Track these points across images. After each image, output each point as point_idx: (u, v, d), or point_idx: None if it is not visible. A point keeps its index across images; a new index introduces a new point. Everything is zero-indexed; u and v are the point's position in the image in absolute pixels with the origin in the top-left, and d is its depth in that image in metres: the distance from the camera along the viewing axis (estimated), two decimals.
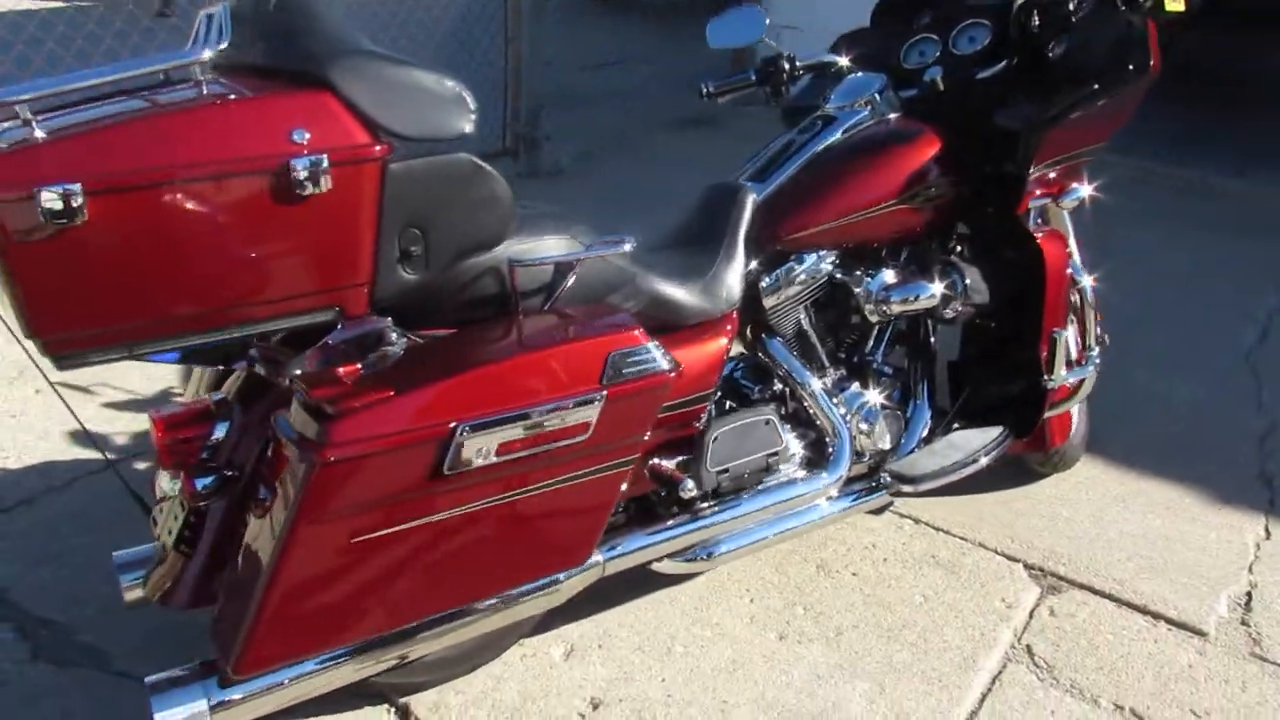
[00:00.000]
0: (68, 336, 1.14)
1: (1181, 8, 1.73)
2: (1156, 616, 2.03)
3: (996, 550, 2.19)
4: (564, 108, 4.96)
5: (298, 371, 1.31)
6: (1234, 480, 2.50)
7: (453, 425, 1.27)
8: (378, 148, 1.23)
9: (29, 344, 1.16)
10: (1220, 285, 3.67)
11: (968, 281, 1.90)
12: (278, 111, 1.19)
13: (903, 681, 1.82)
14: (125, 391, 2.63)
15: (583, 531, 1.49)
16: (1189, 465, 2.54)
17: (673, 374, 1.45)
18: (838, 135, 1.91)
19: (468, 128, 1.31)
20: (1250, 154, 5.21)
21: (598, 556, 1.61)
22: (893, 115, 1.97)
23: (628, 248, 1.54)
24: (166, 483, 1.46)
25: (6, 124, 1.19)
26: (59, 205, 1.07)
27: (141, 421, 2.50)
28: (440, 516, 1.33)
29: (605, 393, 1.38)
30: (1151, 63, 1.76)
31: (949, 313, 1.93)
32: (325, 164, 1.18)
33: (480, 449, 1.30)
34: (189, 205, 1.14)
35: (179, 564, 1.45)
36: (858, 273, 1.91)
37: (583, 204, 4.12)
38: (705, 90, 2.11)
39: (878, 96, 1.95)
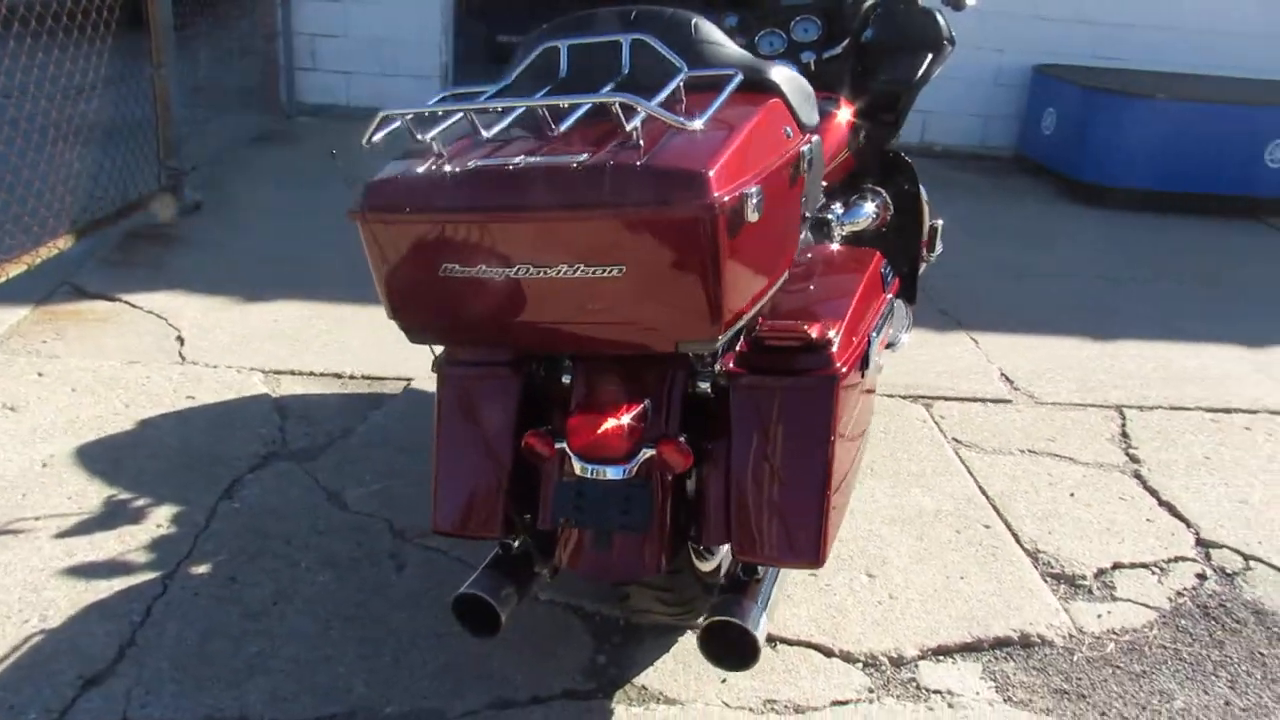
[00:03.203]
0: (722, 324, 1.34)
1: (975, 2, 2.68)
2: (984, 400, 3.09)
3: (886, 394, 3.07)
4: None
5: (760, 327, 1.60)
6: (943, 318, 3.70)
7: (871, 335, 1.70)
8: (805, 135, 1.59)
9: None
10: None
11: (888, 199, 2.68)
12: (780, 114, 1.49)
13: (932, 482, 2.59)
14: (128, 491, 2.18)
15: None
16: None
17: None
18: None
19: (819, 118, 1.72)
20: None
21: None
22: None
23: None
24: (582, 468, 1.56)
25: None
26: (755, 203, 1.29)
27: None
28: (858, 406, 1.73)
29: (891, 294, 1.89)
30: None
31: (874, 224, 2.69)
32: (811, 151, 1.53)
33: (877, 350, 1.74)
34: (774, 198, 1.41)
35: (635, 540, 1.60)
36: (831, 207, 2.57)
37: (257, 232, 4.00)
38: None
39: None
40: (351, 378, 2.95)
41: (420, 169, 1.38)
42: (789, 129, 1.51)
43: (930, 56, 2.65)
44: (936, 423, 2.92)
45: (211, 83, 5.30)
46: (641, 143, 1.28)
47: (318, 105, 6.19)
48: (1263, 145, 5.27)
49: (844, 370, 1.58)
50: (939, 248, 2.87)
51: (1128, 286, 4.29)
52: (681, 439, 1.60)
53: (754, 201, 1.30)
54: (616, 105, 1.25)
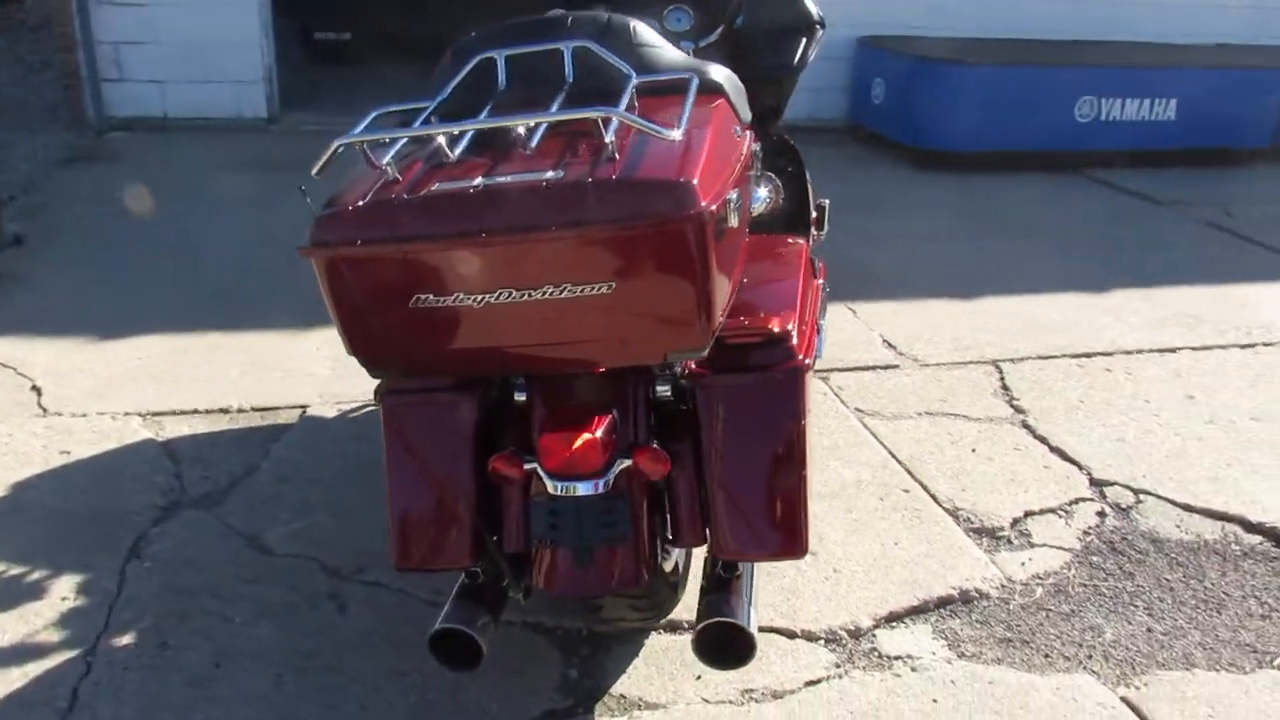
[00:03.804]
0: (711, 330, 1.34)
1: None
2: (875, 368, 3.22)
3: None
4: None
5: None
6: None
7: (819, 323, 1.73)
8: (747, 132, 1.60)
9: None
10: None
11: (779, 184, 2.72)
12: (729, 115, 1.49)
13: (847, 453, 2.69)
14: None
15: None
16: None
17: None
18: None
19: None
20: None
21: None
22: None
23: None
24: (556, 487, 1.53)
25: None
26: (735, 207, 1.29)
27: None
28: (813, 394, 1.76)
29: (821, 279, 1.94)
30: None
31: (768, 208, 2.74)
32: (757, 148, 1.54)
33: (824, 337, 1.78)
34: (742, 198, 1.42)
35: (617, 552, 1.58)
36: None
37: (95, 263, 3.70)
38: None
39: None
40: (240, 411, 2.77)
41: (376, 196, 1.30)
42: (737, 128, 1.52)
43: (805, 40, 2.71)
44: (837, 394, 3.02)
45: (10, 101, 4.83)
46: (617, 155, 1.26)
47: (130, 118, 5.73)
48: (1072, 102, 5.70)
49: (807, 361, 1.61)
50: (826, 226, 2.96)
51: (979, 245, 4.55)
52: (654, 445, 1.59)
53: (734, 205, 1.31)
54: (599, 119, 1.21)
